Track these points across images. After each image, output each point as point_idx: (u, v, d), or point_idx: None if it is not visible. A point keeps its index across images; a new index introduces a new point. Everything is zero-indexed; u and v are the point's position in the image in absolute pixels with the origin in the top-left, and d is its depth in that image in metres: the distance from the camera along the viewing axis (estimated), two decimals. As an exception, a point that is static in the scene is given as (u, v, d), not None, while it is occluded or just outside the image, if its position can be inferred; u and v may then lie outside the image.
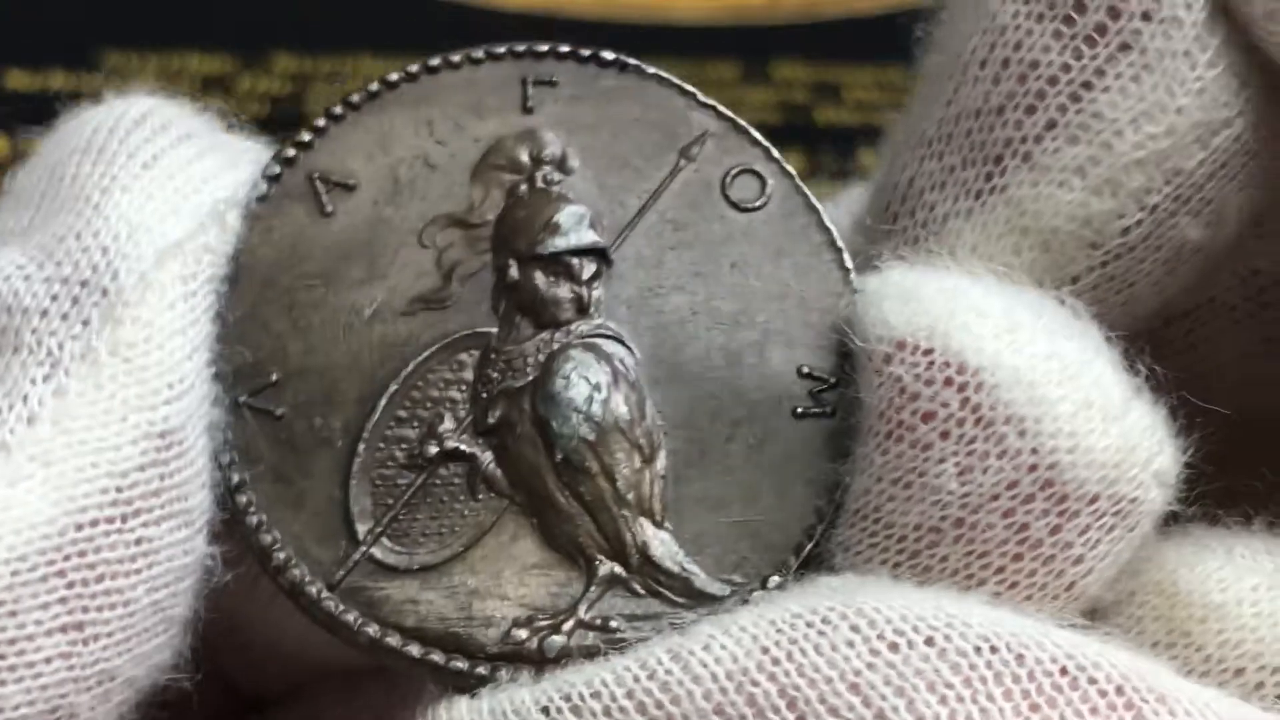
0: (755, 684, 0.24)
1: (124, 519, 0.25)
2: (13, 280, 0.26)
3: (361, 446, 0.27)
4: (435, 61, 0.30)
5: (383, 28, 0.61)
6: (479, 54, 0.30)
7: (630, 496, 0.28)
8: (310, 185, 0.28)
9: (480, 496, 0.28)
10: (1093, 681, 0.24)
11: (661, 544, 0.27)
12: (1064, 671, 0.24)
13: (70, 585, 0.25)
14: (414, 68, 0.29)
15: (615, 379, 0.28)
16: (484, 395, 0.28)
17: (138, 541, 0.25)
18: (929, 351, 0.27)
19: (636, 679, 0.25)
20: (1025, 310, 0.27)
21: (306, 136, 0.29)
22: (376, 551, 0.27)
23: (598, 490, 0.28)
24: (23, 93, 0.58)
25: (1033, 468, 0.26)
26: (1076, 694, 0.24)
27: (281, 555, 0.27)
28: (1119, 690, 0.24)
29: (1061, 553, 0.27)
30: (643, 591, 0.27)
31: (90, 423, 0.25)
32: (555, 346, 0.28)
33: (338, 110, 0.29)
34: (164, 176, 0.27)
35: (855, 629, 0.25)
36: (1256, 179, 0.29)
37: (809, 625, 0.25)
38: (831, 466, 0.28)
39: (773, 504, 0.28)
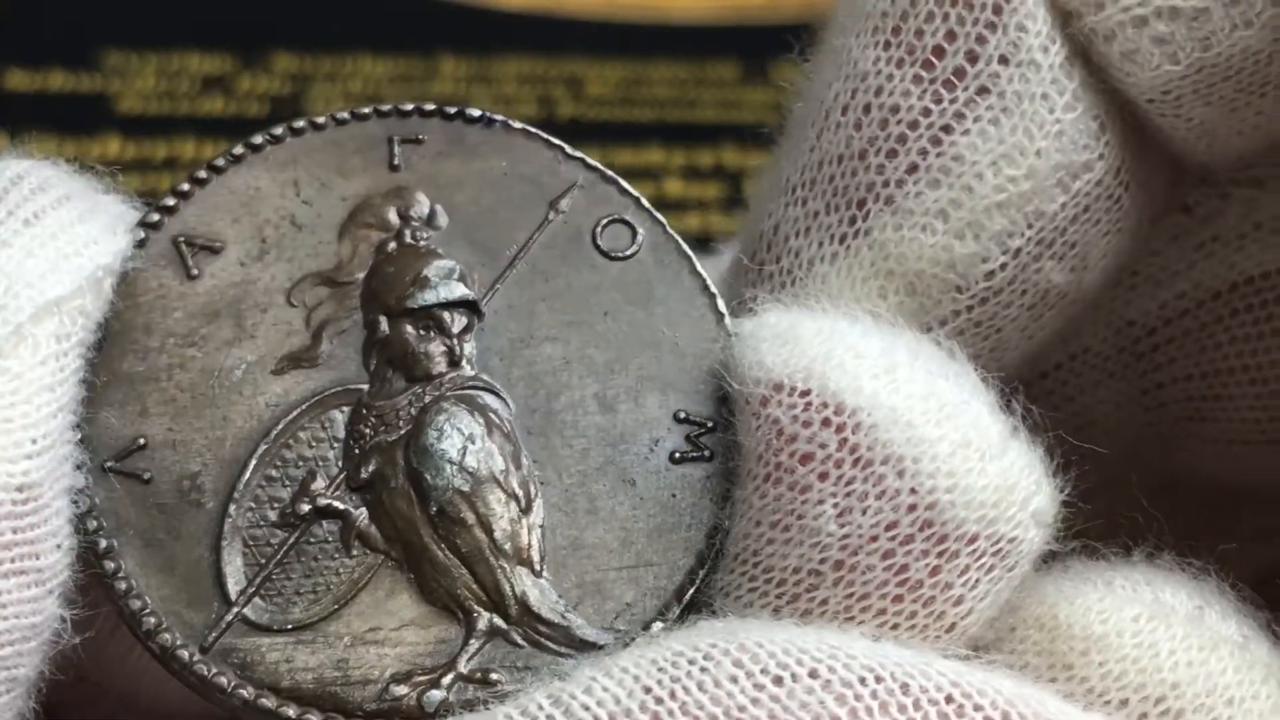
0: None
1: None
2: None
3: (233, 507, 0.27)
4: (300, 123, 0.30)
5: (383, 28, 0.61)
6: (344, 114, 0.30)
7: (508, 547, 0.27)
8: (175, 249, 0.28)
9: (355, 553, 0.27)
10: (978, 709, 0.24)
11: (541, 594, 0.27)
12: (949, 699, 0.24)
13: None
14: (278, 130, 0.30)
15: (489, 430, 0.28)
16: (356, 451, 0.28)
17: None
18: (806, 393, 0.26)
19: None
20: (902, 351, 0.27)
21: (170, 201, 0.29)
22: (249, 612, 0.27)
23: (474, 541, 0.27)
24: (23, 93, 0.58)
25: (912, 508, 0.26)
26: None
27: (152, 620, 0.27)
28: (1005, 716, 0.24)
29: (941, 594, 0.26)
30: (523, 643, 0.27)
31: None
32: (428, 399, 0.28)
33: (202, 174, 0.29)
34: (46, 235, 0.27)
35: (738, 664, 0.24)
36: (1121, 224, 0.29)
37: (691, 663, 0.25)
38: (712, 510, 0.28)
39: (653, 550, 0.28)
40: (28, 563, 0.26)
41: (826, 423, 0.26)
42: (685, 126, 0.60)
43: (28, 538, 0.26)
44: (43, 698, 0.27)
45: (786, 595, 0.27)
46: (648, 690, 0.24)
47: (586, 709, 0.24)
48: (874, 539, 0.26)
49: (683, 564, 0.28)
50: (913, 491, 0.26)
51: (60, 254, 0.27)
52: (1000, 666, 0.26)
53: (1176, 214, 0.31)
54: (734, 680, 0.24)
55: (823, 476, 0.26)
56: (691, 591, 0.28)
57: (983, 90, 0.28)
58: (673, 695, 0.24)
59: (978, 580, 0.27)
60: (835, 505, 0.26)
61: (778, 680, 0.24)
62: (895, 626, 0.27)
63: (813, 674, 0.24)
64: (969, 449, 0.26)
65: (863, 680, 0.24)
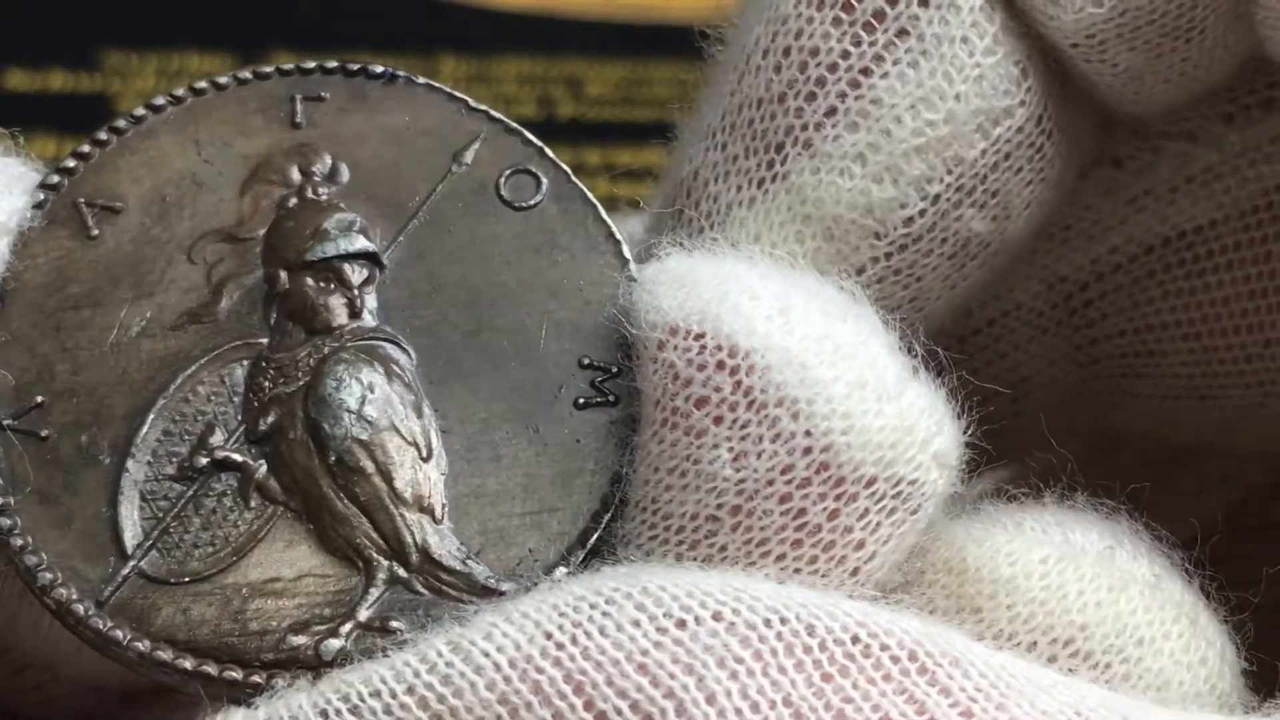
0: (540, 671, 0.24)
1: None
2: None
3: (130, 463, 0.27)
4: (201, 84, 0.30)
5: (383, 28, 0.61)
6: (246, 74, 0.30)
7: (408, 495, 0.27)
8: (75, 210, 0.28)
9: (253, 505, 0.27)
10: (885, 648, 0.24)
11: (442, 541, 0.27)
12: (855, 640, 0.24)
13: None
14: (179, 91, 0.30)
15: (389, 379, 0.28)
16: (255, 403, 0.28)
17: None
18: (700, 336, 0.26)
19: (416, 674, 0.24)
20: (799, 293, 0.26)
21: (71, 163, 0.29)
22: (146, 565, 0.27)
23: (373, 490, 0.27)
24: (23, 93, 0.58)
25: (807, 450, 0.26)
26: (869, 661, 0.23)
27: (48, 575, 0.27)
28: (911, 656, 0.24)
29: (841, 537, 0.26)
30: (424, 590, 0.27)
31: None
32: (326, 351, 0.28)
33: (103, 136, 0.29)
34: None
35: (641, 608, 0.24)
36: (1044, 173, 0.29)
37: (593, 607, 0.24)
38: (615, 456, 0.27)
39: (557, 496, 0.27)
40: None
41: (720, 365, 0.26)
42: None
43: None
44: None
45: (686, 542, 0.26)
46: (549, 635, 0.24)
47: (486, 655, 0.24)
48: (770, 483, 0.26)
49: (586, 509, 0.27)
50: (808, 434, 0.26)
51: None
52: (909, 607, 0.25)
53: (1108, 168, 0.31)
54: (636, 624, 0.24)
55: (717, 420, 0.26)
56: (595, 537, 0.27)
57: (902, 33, 0.28)
58: (574, 640, 0.24)
59: (878, 524, 0.26)
60: (730, 449, 0.26)
61: (680, 624, 0.24)
62: (797, 571, 0.26)
63: (716, 616, 0.24)
64: (865, 390, 0.26)
65: (767, 622, 0.24)
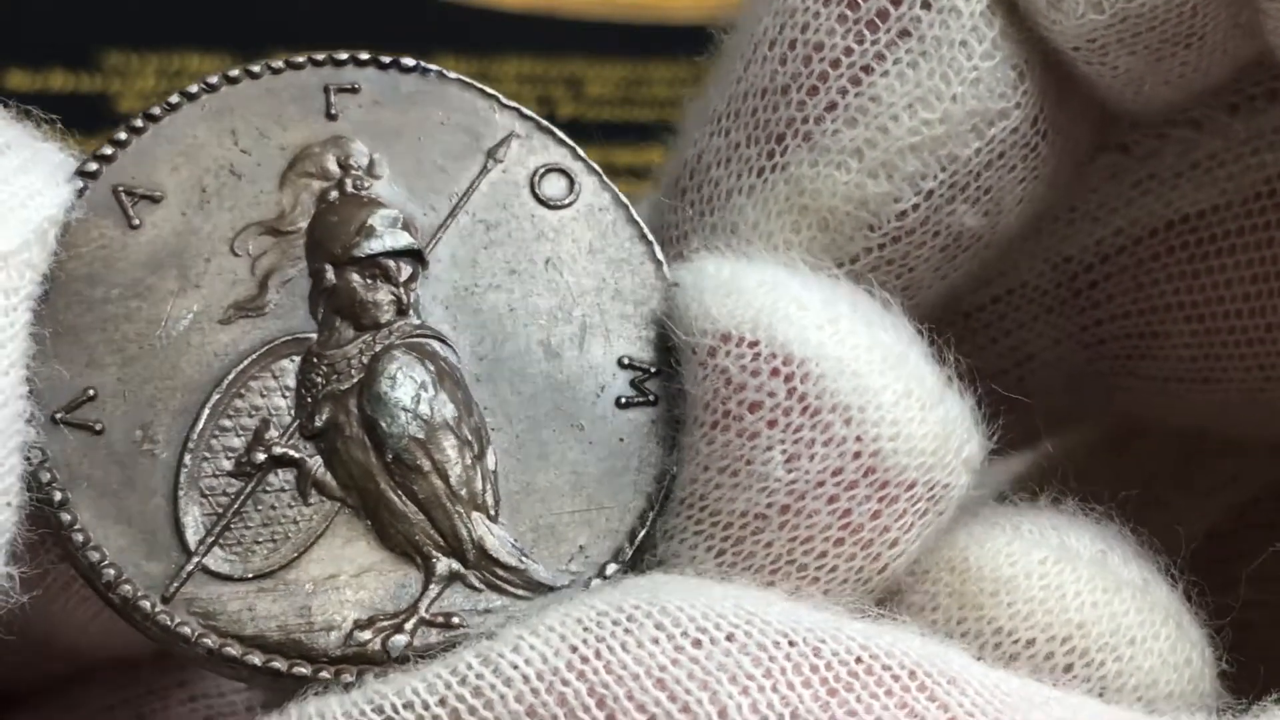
0: (565, 683, 0.25)
1: None
2: None
3: (188, 457, 0.27)
4: (235, 71, 0.30)
5: (383, 28, 0.61)
6: (278, 63, 0.30)
7: (463, 492, 0.28)
8: (115, 198, 0.28)
9: (311, 501, 0.27)
10: (887, 668, 0.24)
11: (497, 538, 0.28)
12: (859, 660, 0.25)
13: None
14: (213, 78, 0.30)
15: (440, 377, 0.28)
16: (309, 400, 0.28)
17: None
18: (754, 343, 0.27)
19: (448, 685, 0.25)
20: (844, 302, 0.27)
21: (108, 149, 0.29)
22: (209, 561, 0.27)
23: (430, 488, 0.28)
24: (23, 93, 0.58)
25: (857, 454, 0.27)
26: (872, 679, 0.24)
27: (111, 571, 0.27)
28: (912, 674, 0.24)
29: (879, 537, 0.27)
30: (482, 586, 0.27)
31: None
32: (378, 348, 0.28)
33: (138, 122, 0.29)
34: None
35: (660, 627, 0.25)
36: (1038, 171, 0.29)
37: (615, 624, 0.25)
38: (658, 454, 0.28)
39: (604, 493, 0.28)
40: None
41: (775, 372, 0.27)
42: (686, 127, 0.60)
43: None
44: None
45: (732, 538, 0.27)
46: (574, 649, 0.25)
47: (515, 667, 0.25)
48: (820, 484, 0.27)
49: (633, 506, 0.28)
50: (858, 439, 0.27)
51: (6, 206, 0.27)
52: (910, 624, 0.26)
53: (1114, 153, 0.32)
54: (655, 641, 0.25)
55: (771, 424, 0.27)
56: (643, 533, 0.28)
57: (904, 33, 0.28)
58: (598, 654, 0.25)
59: (912, 524, 0.27)
60: (783, 451, 0.27)
61: (697, 643, 0.25)
62: (834, 569, 0.27)
63: (730, 637, 0.25)
64: (910, 399, 0.27)
65: (777, 643, 0.25)
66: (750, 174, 0.29)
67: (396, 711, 0.25)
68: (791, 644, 0.25)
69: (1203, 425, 0.33)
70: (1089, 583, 0.28)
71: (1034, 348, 0.32)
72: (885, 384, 0.27)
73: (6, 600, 0.26)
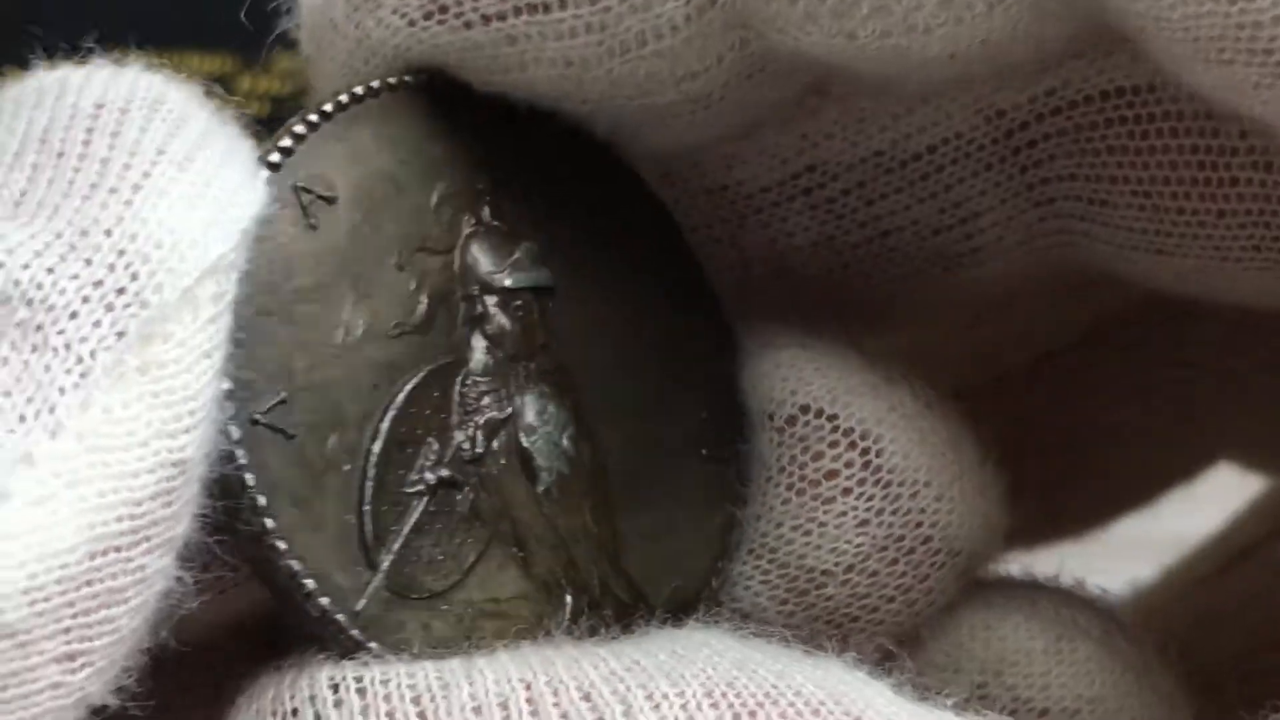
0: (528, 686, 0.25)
1: (131, 547, 0.24)
2: (32, 269, 0.24)
3: (371, 471, 0.27)
4: (393, 79, 0.29)
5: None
6: (423, 75, 0.29)
7: (596, 530, 0.29)
8: (295, 195, 0.28)
9: (473, 525, 0.28)
10: (792, 704, 0.26)
11: (620, 575, 0.29)
12: (767, 694, 0.26)
13: (75, 615, 0.24)
14: (375, 83, 0.29)
15: (579, 413, 0.29)
16: (467, 425, 0.28)
17: (137, 570, 0.25)
18: (834, 417, 0.30)
19: (426, 675, 0.26)
20: (904, 389, 0.30)
21: (287, 142, 0.28)
22: (391, 578, 0.27)
23: (573, 523, 0.29)
24: (23, 93, 0.58)
25: (919, 524, 0.30)
26: (776, 711, 0.26)
27: (311, 582, 0.27)
28: (816, 711, 0.26)
29: (924, 598, 0.30)
30: (613, 621, 0.29)
31: (113, 444, 0.24)
32: (528, 380, 0.29)
33: (312, 118, 0.28)
34: (200, 182, 0.26)
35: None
36: None
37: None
38: (731, 506, 0.30)
39: (690, 538, 0.30)
40: (171, 532, 0.25)
41: (852, 445, 0.30)
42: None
43: (175, 511, 0.25)
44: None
45: (797, 590, 0.30)
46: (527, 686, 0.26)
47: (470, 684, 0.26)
48: (884, 548, 0.30)
49: (713, 552, 0.30)
50: (922, 511, 0.30)
51: (217, 205, 0.26)
52: (835, 661, 0.28)
53: None
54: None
55: (846, 492, 0.30)
56: (720, 580, 0.30)
57: None
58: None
59: (947, 589, 0.31)
60: (855, 518, 0.30)
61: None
62: (881, 621, 0.30)
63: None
64: (964, 479, 0.31)
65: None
66: None
67: (372, 684, 0.26)
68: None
69: (1161, 289, 0.33)
70: (1099, 662, 0.31)
71: (978, 205, 0.32)
72: (945, 464, 0.30)
73: (177, 605, 0.26)
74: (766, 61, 0.29)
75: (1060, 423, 0.39)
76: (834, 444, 0.30)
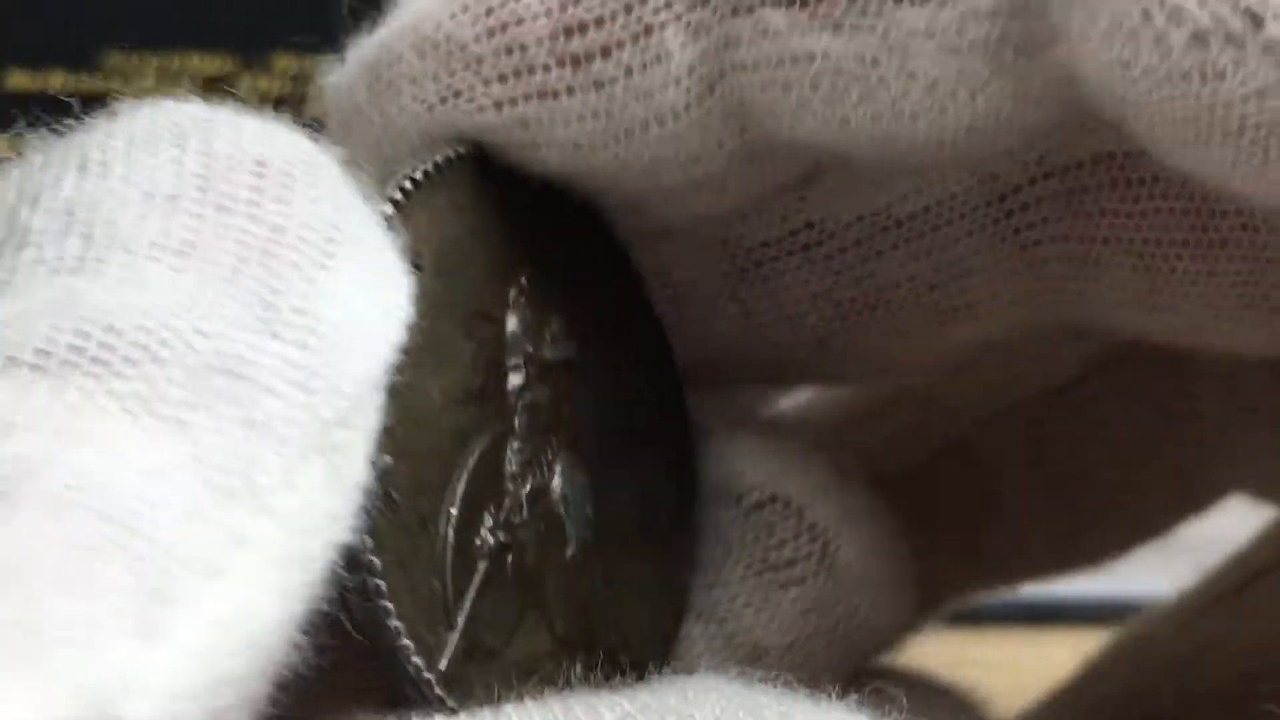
0: None
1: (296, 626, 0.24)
2: (236, 343, 0.23)
3: (451, 535, 0.28)
4: (462, 149, 0.29)
5: (383, 28, 0.61)
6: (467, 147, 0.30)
7: (612, 594, 0.30)
8: None
9: (516, 587, 0.29)
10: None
11: (630, 636, 0.30)
12: None
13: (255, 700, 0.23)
14: (451, 152, 0.29)
15: (593, 479, 0.30)
16: (515, 492, 0.29)
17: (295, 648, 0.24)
18: (800, 511, 0.32)
19: None
20: (862, 489, 0.33)
21: (388, 209, 0.28)
22: (465, 637, 0.28)
23: (590, 587, 0.29)
24: (23, 93, 0.58)
25: (854, 617, 0.32)
26: None
27: (407, 643, 0.27)
28: None
29: (842, 678, 0.32)
30: (630, 679, 0.29)
31: (309, 526, 0.24)
32: (563, 448, 0.29)
33: (406, 185, 0.28)
34: (372, 266, 0.25)
35: None
36: None
37: None
38: (687, 574, 0.31)
39: (653, 603, 0.31)
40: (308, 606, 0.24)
41: (814, 539, 0.32)
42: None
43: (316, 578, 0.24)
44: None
45: (737, 658, 0.31)
46: None
47: None
48: (824, 635, 0.32)
49: (672, 619, 0.31)
50: (861, 606, 0.32)
51: (386, 289, 0.25)
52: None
53: None
54: None
55: (800, 580, 0.32)
56: (679, 642, 0.31)
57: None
58: None
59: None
60: (807, 605, 0.32)
61: None
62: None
63: None
64: (901, 581, 0.33)
65: None
66: None
67: None
68: None
69: (1153, 340, 0.34)
70: None
71: (972, 264, 0.33)
72: (889, 565, 0.33)
73: (288, 673, 0.24)
74: (766, 148, 0.29)
75: (1069, 455, 0.39)
76: (798, 534, 0.32)
